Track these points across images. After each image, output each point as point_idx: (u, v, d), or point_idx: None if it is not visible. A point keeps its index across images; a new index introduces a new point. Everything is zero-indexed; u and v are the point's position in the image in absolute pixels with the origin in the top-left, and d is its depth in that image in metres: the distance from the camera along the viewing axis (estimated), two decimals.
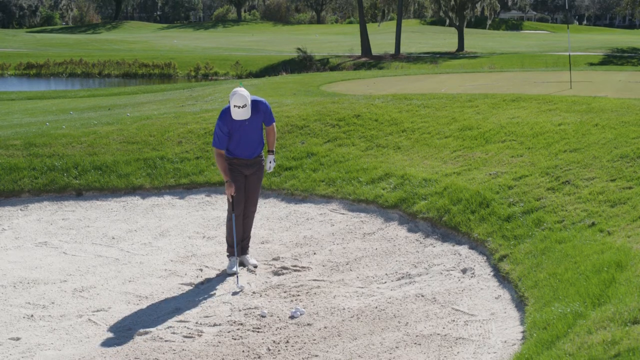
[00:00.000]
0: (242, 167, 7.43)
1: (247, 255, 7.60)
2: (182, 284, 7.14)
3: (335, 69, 43.99)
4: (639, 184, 7.33)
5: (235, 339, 5.79)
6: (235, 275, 7.15)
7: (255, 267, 7.49)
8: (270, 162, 7.61)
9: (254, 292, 6.83)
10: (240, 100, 6.97)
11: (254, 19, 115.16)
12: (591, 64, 38.23)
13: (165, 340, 5.81)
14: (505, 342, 5.28)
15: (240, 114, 7.05)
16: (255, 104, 7.26)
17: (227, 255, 7.53)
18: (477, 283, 6.54)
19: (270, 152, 7.65)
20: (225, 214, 8.02)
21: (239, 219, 7.44)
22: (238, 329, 5.98)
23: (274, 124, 7.60)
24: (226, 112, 7.19)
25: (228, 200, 7.45)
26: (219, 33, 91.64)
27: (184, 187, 10.23)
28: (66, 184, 10.18)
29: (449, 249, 7.51)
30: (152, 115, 13.05)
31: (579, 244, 6.30)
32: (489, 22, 62.81)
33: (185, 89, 22.64)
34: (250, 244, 7.81)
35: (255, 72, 45.78)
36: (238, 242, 7.47)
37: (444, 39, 67.40)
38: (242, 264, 7.53)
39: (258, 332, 5.92)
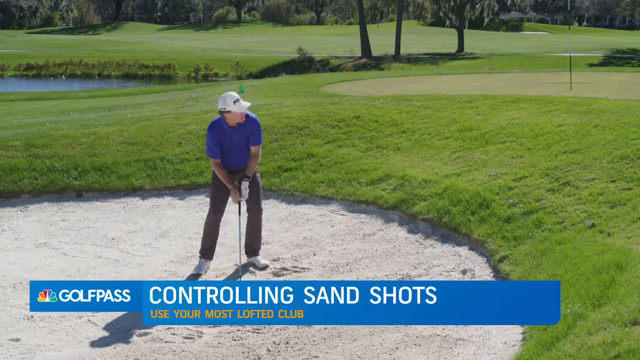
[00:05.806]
0: (230, 175, 7.40)
1: (259, 257, 7.60)
2: None
3: (335, 70, 43.98)
4: (639, 185, 7.33)
5: (235, 340, 5.80)
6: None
7: (266, 267, 7.47)
8: (245, 189, 7.17)
9: None
10: (232, 96, 6.97)
11: (254, 20, 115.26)
12: (591, 65, 38.27)
13: (165, 341, 5.81)
14: (505, 343, 5.28)
15: (243, 105, 7.03)
16: (247, 117, 7.22)
17: (199, 256, 7.50)
18: None
19: (245, 177, 7.24)
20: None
21: (217, 223, 7.44)
22: (238, 330, 5.98)
23: (260, 147, 7.33)
24: (214, 124, 7.20)
25: (211, 202, 7.47)
26: (219, 34, 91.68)
27: (184, 188, 10.23)
28: (66, 185, 10.18)
29: (449, 250, 7.51)
30: (152, 116, 13.05)
31: (579, 245, 6.31)
32: (486, 20, 62.85)
33: (185, 90, 22.64)
34: None
35: (256, 73, 45.80)
36: (244, 245, 7.57)
37: (443, 40, 67.45)
38: (253, 265, 7.52)
39: (258, 333, 5.92)
